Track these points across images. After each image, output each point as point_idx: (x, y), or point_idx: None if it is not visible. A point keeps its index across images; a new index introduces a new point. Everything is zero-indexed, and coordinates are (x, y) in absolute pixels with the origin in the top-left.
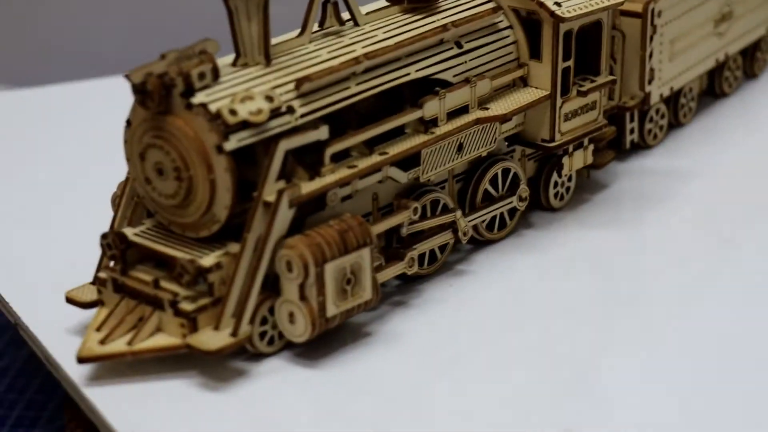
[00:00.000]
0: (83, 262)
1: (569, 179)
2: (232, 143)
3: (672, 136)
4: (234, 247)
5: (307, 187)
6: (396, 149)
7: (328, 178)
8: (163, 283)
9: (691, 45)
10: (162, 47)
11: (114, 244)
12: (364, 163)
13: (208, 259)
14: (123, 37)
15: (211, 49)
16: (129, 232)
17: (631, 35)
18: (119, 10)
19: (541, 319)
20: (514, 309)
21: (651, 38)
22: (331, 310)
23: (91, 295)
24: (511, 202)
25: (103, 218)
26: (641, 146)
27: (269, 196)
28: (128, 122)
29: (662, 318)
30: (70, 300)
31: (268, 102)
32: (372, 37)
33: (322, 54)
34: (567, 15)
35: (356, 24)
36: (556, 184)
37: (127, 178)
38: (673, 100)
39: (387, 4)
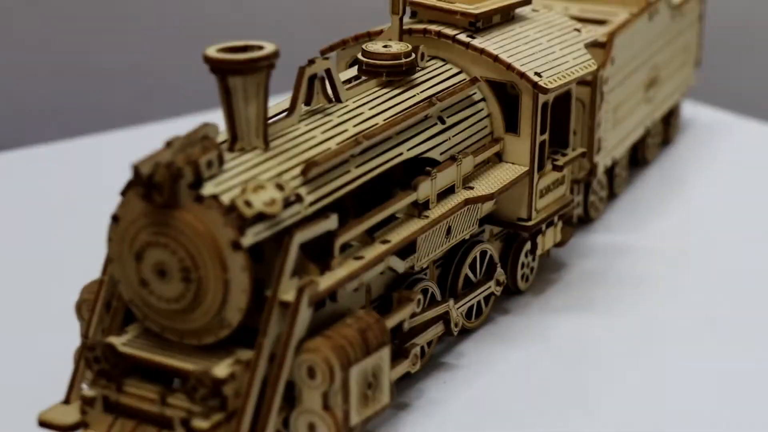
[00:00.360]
0: (32, 377)
1: (533, 259)
2: (249, 238)
3: (607, 209)
4: (244, 354)
5: (324, 282)
6: (396, 236)
7: (339, 272)
8: (171, 399)
9: (629, 112)
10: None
11: (105, 357)
12: (370, 254)
13: (221, 369)
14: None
15: (213, 134)
16: (116, 341)
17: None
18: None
19: (542, 413)
20: (516, 405)
21: (599, 107)
22: (354, 418)
23: (72, 416)
24: (489, 288)
25: (51, 325)
26: (583, 220)
27: (286, 294)
28: (115, 218)
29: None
30: (44, 423)
31: (279, 191)
32: (359, 114)
33: (317, 135)
34: (550, 86)
35: (338, 100)
36: (522, 265)
37: (101, 281)
38: (609, 170)
39: (355, 74)
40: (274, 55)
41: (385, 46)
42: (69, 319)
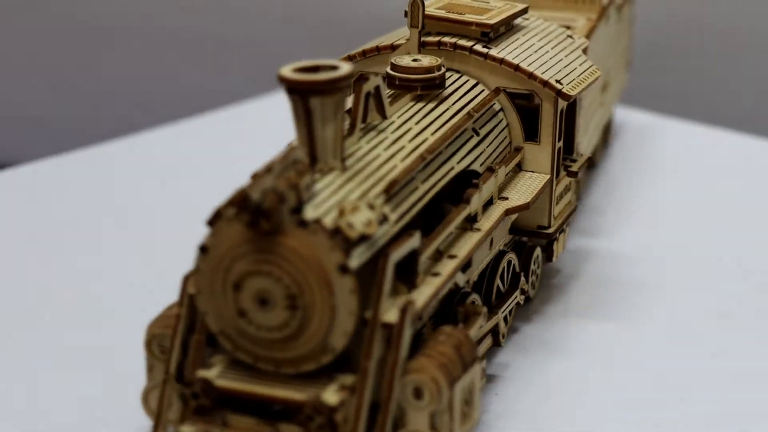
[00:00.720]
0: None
1: (538, 267)
2: (355, 260)
3: None
4: (346, 379)
5: (420, 301)
6: (460, 251)
7: (426, 290)
8: (284, 430)
9: (591, 116)
10: None
11: (204, 392)
12: (444, 269)
13: (332, 396)
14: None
15: (301, 156)
16: (210, 376)
17: None
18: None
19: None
20: (579, 416)
21: (578, 112)
22: None
23: None
24: (516, 297)
25: (100, 355)
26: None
27: (389, 315)
28: (204, 249)
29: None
30: None
31: (371, 211)
32: (409, 129)
33: (380, 152)
34: (572, 92)
35: (385, 116)
36: (531, 273)
37: (178, 315)
38: None
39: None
40: (353, 75)
41: (414, 60)
42: (86, 353)
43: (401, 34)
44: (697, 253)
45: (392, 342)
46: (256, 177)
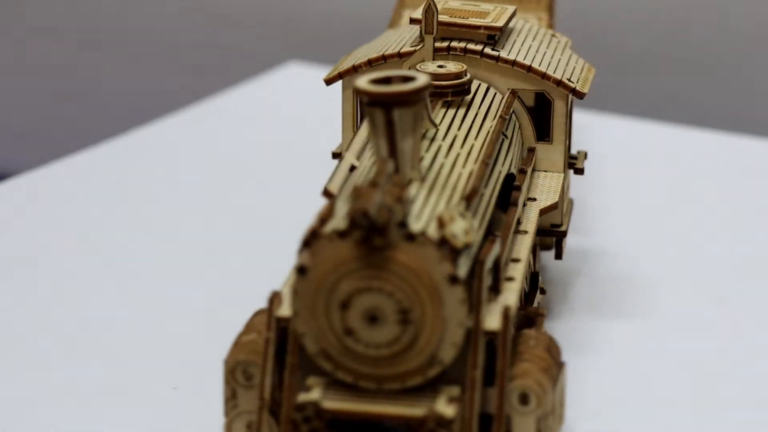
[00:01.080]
0: None
1: (538, 265)
2: (463, 270)
3: None
4: (452, 390)
5: (512, 306)
6: (520, 253)
7: (511, 295)
8: None
9: None
10: None
11: (317, 416)
12: (517, 273)
13: (447, 409)
14: None
15: (391, 169)
16: (316, 398)
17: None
18: None
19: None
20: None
21: None
22: None
23: None
24: (537, 297)
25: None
26: None
27: (491, 323)
28: (303, 270)
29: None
30: None
31: (464, 220)
32: (455, 136)
33: (442, 160)
34: (585, 89)
35: (435, 125)
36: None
37: (267, 339)
38: None
39: None
40: (431, 85)
41: (440, 66)
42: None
43: (392, 39)
44: (681, 244)
45: (499, 349)
46: (327, 194)
